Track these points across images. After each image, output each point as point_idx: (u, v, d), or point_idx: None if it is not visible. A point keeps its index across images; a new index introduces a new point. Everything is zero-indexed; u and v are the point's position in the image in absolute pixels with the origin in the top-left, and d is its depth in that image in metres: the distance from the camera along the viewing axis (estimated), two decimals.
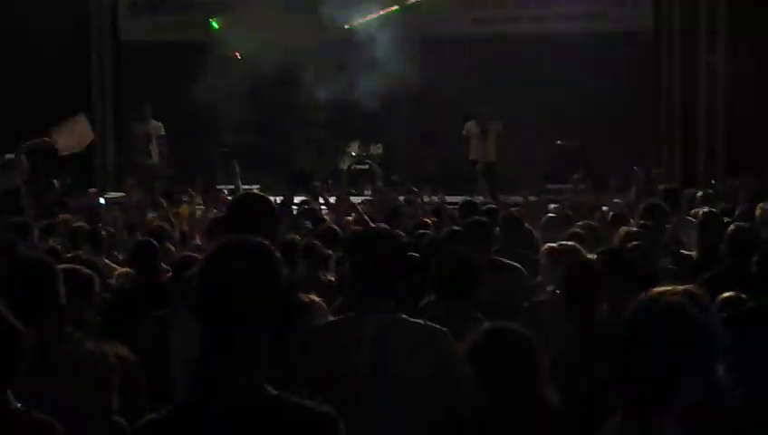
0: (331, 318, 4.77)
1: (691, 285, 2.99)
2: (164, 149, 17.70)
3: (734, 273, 6.61)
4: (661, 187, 12.02)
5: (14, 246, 6.80)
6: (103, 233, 9.54)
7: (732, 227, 7.50)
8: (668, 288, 2.93)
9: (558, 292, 5.30)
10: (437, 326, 4.32)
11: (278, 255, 2.90)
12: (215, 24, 20.06)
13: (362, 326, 4.16)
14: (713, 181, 16.70)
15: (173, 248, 8.64)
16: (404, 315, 4.28)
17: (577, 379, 4.51)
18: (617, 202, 12.36)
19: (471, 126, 17.59)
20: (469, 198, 12.10)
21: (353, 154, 20.19)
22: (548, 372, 4.26)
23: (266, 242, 2.91)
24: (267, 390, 2.83)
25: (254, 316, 2.80)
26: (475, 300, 5.64)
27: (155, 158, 17.54)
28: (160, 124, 17.72)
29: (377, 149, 20.44)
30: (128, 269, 7.92)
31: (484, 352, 3.96)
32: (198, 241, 9.82)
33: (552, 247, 6.27)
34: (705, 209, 9.46)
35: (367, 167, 19.85)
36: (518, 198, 14.72)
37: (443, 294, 5.72)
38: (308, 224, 10.85)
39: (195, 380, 2.83)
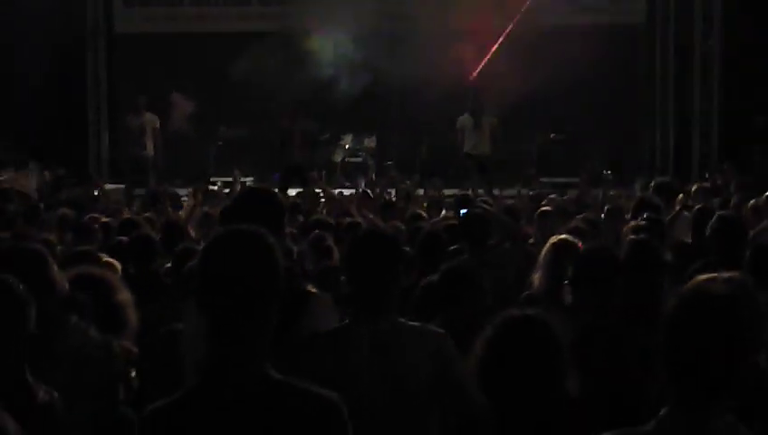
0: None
1: (735, 273, 2.94)
2: (159, 141, 17.63)
3: (719, 263, 6.62)
4: (655, 181, 12.02)
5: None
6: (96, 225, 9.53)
7: (716, 217, 7.48)
8: (709, 276, 2.90)
9: (566, 284, 5.27)
10: (437, 329, 4.25)
11: (273, 241, 2.92)
12: None
13: (362, 332, 4.08)
14: (706, 175, 16.73)
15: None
16: (402, 319, 4.20)
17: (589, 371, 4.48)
18: (612, 195, 12.38)
19: (465, 119, 17.53)
20: (465, 192, 12.14)
21: (347, 147, 20.19)
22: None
23: (262, 230, 2.93)
24: (273, 374, 2.86)
25: (253, 301, 2.83)
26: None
27: (149, 150, 17.47)
28: (155, 117, 17.67)
29: (370, 142, 20.44)
30: (111, 260, 7.84)
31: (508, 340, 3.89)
32: (193, 234, 9.81)
33: (555, 242, 6.25)
34: (699, 205, 9.46)
35: (360, 160, 19.85)
36: (512, 192, 14.77)
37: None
38: (300, 217, 10.86)
39: (202, 366, 2.85)
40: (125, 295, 4.90)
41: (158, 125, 17.57)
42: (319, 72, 19.07)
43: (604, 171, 14.07)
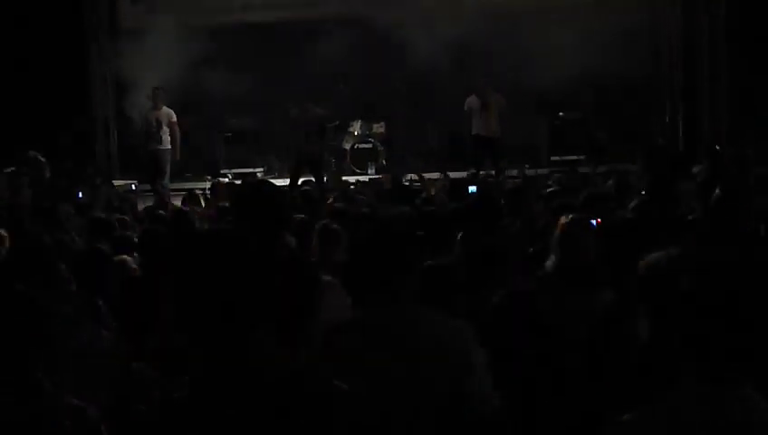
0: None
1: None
2: (176, 135, 17.53)
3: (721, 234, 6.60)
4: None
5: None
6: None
7: (717, 190, 7.46)
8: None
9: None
10: (457, 320, 4.10)
11: (245, 239, 2.87)
12: None
13: (377, 322, 3.96)
14: (717, 147, 16.65)
15: None
16: (419, 308, 4.06)
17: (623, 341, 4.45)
18: (621, 171, 12.34)
19: (472, 100, 17.45)
20: (473, 173, 12.12)
21: (356, 133, 20.16)
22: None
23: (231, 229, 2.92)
24: (290, 364, 2.84)
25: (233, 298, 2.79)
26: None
27: (166, 144, 17.41)
28: (171, 111, 17.59)
29: (379, 128, 20.41)
30: (124, 257, 7.82)
31: None
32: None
33: (565, 222, 6.25)
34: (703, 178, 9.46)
35: (370, 146, 19.82)
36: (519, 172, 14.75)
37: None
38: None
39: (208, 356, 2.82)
40: None
41: (174, 118, 17.48)
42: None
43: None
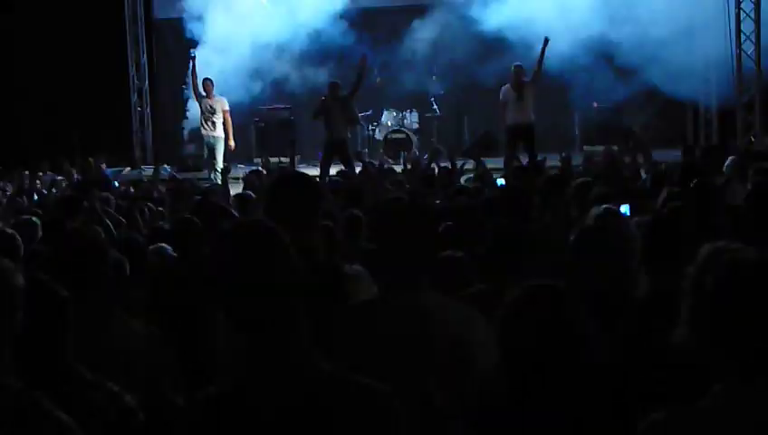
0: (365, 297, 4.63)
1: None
2: (228, 123, 17.75)
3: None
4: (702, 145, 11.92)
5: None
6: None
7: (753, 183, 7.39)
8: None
9: None
10: (471, 309, 4.01)
11: (280, 233, 2.86)
12: None
13: (400, 306, 3.88)
14: (752, 138, 16.53)
15: None
16: (434, 293, 3.99)
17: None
18: (656, 161, 12.29)
19: (507, 91, 17.32)
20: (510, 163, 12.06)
21: (389, 123, 20.14)
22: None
23: (266, 224, 2.91)
24: (321, 366, 2.80)
25: (267, 293, 2.78)
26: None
27: (219, 132, 17.68)
28: (224, 99, 17.83)
29: (412, 118, 20.38)
30: (161, 245, 7.71)
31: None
32: None
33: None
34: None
35: (403, 136, 19.80)
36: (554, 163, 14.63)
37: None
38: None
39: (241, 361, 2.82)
40: None
41: (227, 107, 17.70)
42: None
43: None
